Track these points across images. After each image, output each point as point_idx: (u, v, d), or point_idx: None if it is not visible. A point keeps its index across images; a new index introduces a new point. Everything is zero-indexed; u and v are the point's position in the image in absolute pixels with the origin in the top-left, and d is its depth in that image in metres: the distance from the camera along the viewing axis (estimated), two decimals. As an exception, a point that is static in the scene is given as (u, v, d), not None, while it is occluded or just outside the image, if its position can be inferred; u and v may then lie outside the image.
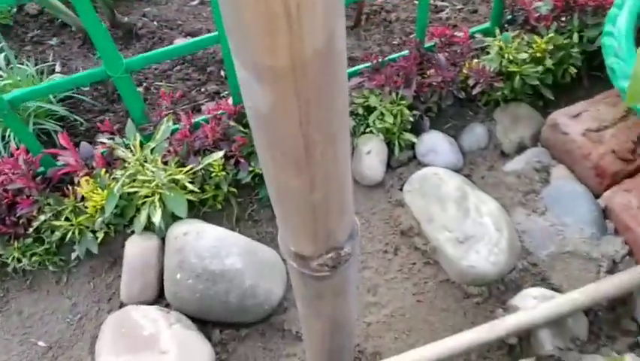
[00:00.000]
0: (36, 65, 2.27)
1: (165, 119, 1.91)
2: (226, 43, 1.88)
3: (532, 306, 1.66)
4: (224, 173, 1.92)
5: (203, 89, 2.33)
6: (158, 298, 1.84)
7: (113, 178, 1.82)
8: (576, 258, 1.85)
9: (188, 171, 1.84)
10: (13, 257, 1.85)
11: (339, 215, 0.82)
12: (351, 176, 0.81)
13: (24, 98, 1.80)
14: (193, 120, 1.99)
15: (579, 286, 1.80)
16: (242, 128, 2.00)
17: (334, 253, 0.88)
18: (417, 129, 2.16)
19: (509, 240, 1.79)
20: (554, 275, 1.83)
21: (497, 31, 2.22)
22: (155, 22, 2.57)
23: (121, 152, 1.87)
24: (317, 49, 0.48)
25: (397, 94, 2.10)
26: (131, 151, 1.85)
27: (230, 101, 2.09)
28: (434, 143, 2.12)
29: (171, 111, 1.97)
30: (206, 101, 2.26)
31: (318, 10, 0.45)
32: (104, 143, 1.91)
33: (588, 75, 2.33)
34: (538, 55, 2.12)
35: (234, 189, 1.98)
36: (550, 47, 2.12)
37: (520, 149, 2.18)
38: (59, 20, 2.54)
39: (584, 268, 1.84)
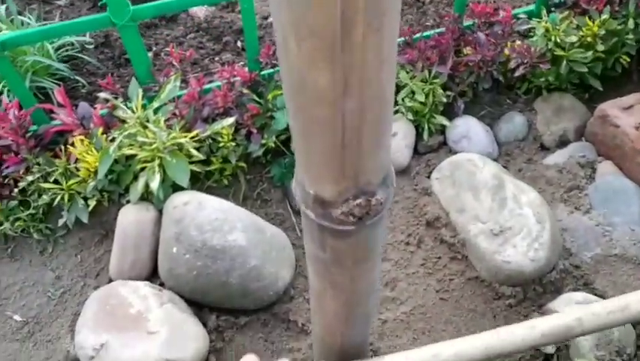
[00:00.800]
0: (41, 21, 2.10)
1: (173, 77, 1.72)
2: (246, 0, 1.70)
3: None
4: (233, 144, 1.73)
5: (217, 59, 2.15)
6: (151, 277, 1.65)
7: (111, 139, 1.63)
8: (624, 262, 1.64)
9: (193, 136, 1.65)
10: (-3, 220, 1.67)
11: (374, 144, 0.62)
12: (393, 96, 0.61)
13: (19, 41, 1.62)
14: (204, 86, 1.81)
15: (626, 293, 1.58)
16: (256, 98, 1.81)
17: (364, 198, 0.68)
18: (449, 113, 1.95)
19: (552, 234, 1.57)
20: (599, 280, 1.61)
21: (544, 12, 2.02)
22: (171, -11, 2.39)
23: (121, 111, 1.68)
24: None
25: (430, 72, 1.90)
26: (133, 111, 1.66)
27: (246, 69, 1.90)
28: (468, 129, 1.92)
29: (179, 72, 1.78)
30: (218, 71, 2.07)
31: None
32: (105, 100, 1.72)
33: (639, 70, 2.12)
34: (589, 40, 1.92)
35: (243, 165, 1.79)
36: (603, 31, 1.92)
37: (562, 142, 1.97)
38: (70, -20, 2.38)
39: (632, 273, 1.62)
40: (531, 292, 1.58)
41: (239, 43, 2.21)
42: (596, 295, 1.56)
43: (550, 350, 1.49)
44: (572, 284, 1.60)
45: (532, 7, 2.17)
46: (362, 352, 1.21)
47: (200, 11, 2.29)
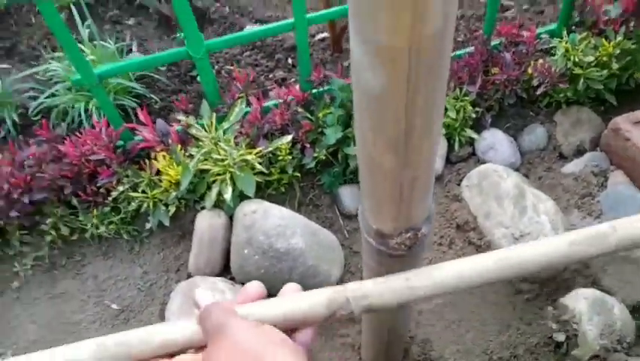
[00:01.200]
0: (115, 43, 2.40)
1: (239, 101, 2.00)
2: (301, 29, 1.95)
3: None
4: (289, 157, 2.02)
5: (271, 75, 2.42)
6: (222, 272, 1.96)
7: (189, 155, 1.93)
8: (629, 263, 1.89)
9: (257, 152, 1.94)
10: (92, 224, 1.98)
11: (422, 196, 0.89)
12: (435, 161, 0.88)
13: (112, 73, 1.92)
14: (263, 104, 2.09)
15: (629, 290, 1.84)
16: (309, 115, 2.09)
17: (412, 233, 0.94)
18: (477, 126, 2.21)
19: (565, 240, 1.83)
20: (606, 278, 1.87)
21: (564, 32, 2.24)
22: (227, 8, 2.66)
23: (195, 130, 1.97)
24: (434, 31, 0.52)
25: (461, 90, 2.15)
26: (206, 130, 1.95)
27: (298, 87, 2.18)
28: (495, 141, 2.17)
29: (243, 94, 2.06)
30: (272, 88, 2.34)
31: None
32: (180, 120, 2.01)
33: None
34: (605, 59, 2.14)
35: (298, 174, 2.07)
36: (617, 51, 2.14)
37: (579, 152, 2.21)
38: (137, 1, 2.66)
39: (635, 273, 1.87)
40: (546, 288, 1.85)
41: (289, 60, 2.48)
42: (603, 291, 1.82)
43: (560, 338, 1.77)
44: (582, 282, 1.86)
45: (554, 25, 2.38)
46: (402, 337, 1.51)
47: (253, 29, 2.56)
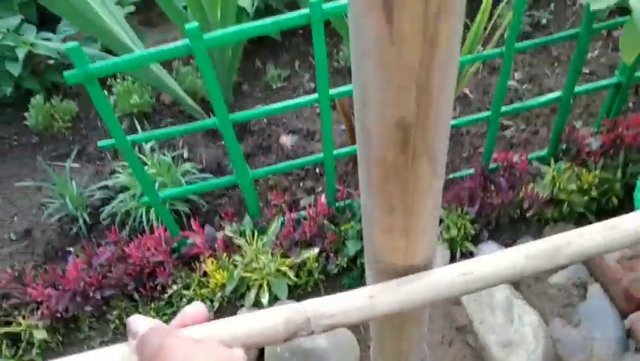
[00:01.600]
0: (173, 150, 2.83)
1: (276, 217, 2.41)
2: (328, 162, 2.37)
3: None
4: (316, 264, 2.41)
5: (301, 184, 2.83)
6: (257, 359, 2.33)
7: (233, 264, 2.33)
8: (600, 367, 2.24)
9: (290, 263, 2.33)
10: (150, 315, 2.37)
11: (415, 357, 1.27)
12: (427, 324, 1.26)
13: (173, 195, 2.35)
14: (295, 216, 2.49)
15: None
16: (333, 227, 2.48)
17: None
18: (476, 239, 2.59)
19: (544, 349, 2.19)
20: (581, 380, 2.22)
21: (552, 161, 2.64)
22: (264, 120, 3.10)
23: (238, 240, 2.38)
24: (418, 265, 0.82)
25: (462, 209, 2.55)
26: (247, 242, 2.35)
27: (323, 199, 2.58)
28: (491, 253, 2.54)
29: (280, 210, 2.47)
30: (302, 199, 2.76)
31: (424, 248, 0.81)
32: (225, 231, 2.42)
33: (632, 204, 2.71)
34: (585, 187, 2.53)
35: (323, 276, 2.46)
36: (597, 180, 2.53)
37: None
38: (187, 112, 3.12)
39: (606, 375, 2.22)
40: (529, 388, 2.20)
41: (317, 170, 2.89)
42: (577, 392, 2.17)
43: None
44: (559, 382, 2.21)
45: (544, 151, 2.78)
46: None
47: (287, 141, 2.98)
